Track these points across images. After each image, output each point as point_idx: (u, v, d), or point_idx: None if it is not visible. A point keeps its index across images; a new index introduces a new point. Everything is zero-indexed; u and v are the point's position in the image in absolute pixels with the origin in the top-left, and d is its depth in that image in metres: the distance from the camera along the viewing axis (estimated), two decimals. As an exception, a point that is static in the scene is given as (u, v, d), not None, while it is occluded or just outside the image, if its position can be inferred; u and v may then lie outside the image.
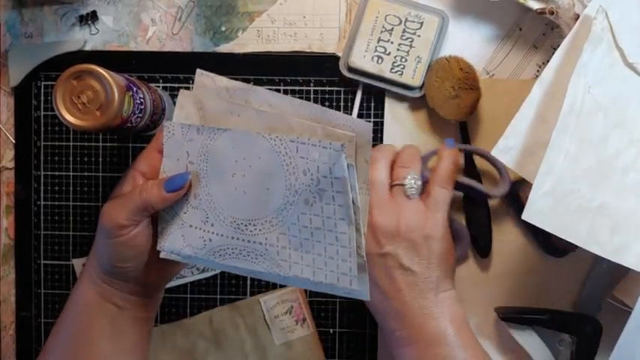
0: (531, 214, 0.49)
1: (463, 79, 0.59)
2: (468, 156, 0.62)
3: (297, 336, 0.65)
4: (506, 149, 0.54)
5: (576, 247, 0.51)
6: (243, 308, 0.65)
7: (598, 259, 0.60)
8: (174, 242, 0.53)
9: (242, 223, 0.51)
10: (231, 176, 0.50)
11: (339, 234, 0.48)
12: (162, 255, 0.53)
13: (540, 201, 0.50)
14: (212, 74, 0.53)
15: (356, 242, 0.48)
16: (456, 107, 0.60)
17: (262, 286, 0.65)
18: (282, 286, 0.65)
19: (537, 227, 0.51)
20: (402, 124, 0.63)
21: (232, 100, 0.52)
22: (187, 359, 0.65)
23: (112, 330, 0.53)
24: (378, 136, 0.64)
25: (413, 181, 0.54)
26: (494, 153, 0.54)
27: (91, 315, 0.53)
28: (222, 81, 0.53)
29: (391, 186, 0.55)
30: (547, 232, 0.50)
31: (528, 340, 0.61)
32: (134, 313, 0.54)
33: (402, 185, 0.54)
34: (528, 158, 0.53)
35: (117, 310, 0.53)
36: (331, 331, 0.65)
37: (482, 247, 0.62)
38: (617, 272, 0.61)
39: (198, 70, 0.53)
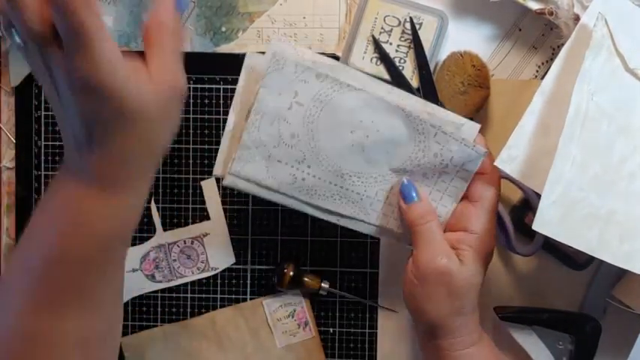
0: (541, 223, 0.49)
1: (474, 76, 0.59)
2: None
3: (299, 340, 0.65)
4: (510, 159, 0.54)
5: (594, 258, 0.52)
6: (246, 310, 0.65)
7: (603, 263, 0.60)
8: (256, 171, 0.53)
9: (346, 173, 0.53)
10: (349, 132, 0.52)
11: (440, 206, 0.54)
12: (225, 182, 0.53)
13: (550, 210, 0.50)
14: (293, 46, 0.53)
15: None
16: (463, 103, 0.60)
17: (263, 286, 0.66)
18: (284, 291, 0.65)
19: (553, 243, 0.52)
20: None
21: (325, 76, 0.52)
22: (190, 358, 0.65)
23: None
24: (377, 137, 0.64)
25: None
26: (497, 163, 0.54)
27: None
28: (306, 53, 0.53)
29: None
30: (565, 247, 0.51)
31: (528, 339, 0.61)
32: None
33: None
34: (532, 168, 0.54)
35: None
36: (331, 330, 0.66)
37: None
38: (623, 276, 0.61)
39: (274, 40, 0.53)
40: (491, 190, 0.53)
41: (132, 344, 0.65)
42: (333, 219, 0.55)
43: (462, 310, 0.51)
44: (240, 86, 0.54)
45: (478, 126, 0.53)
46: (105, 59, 0.38)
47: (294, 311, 0.65)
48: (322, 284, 0.64)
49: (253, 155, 0.53)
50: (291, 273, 0.63)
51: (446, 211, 0.54)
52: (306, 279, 0.64)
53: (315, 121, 0.52)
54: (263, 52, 0.53)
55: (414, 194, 0.53)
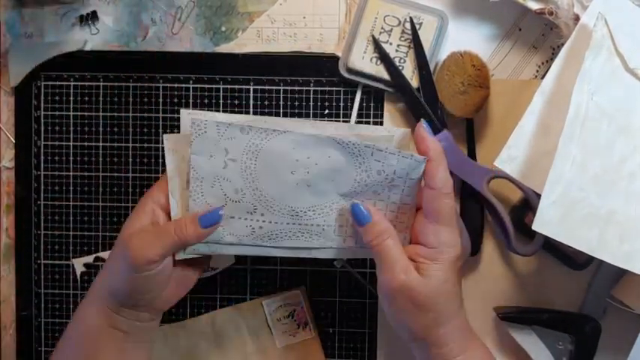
0: (541, 223, 0.49)
1: (474, 76, 0.59)
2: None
3: (299, 340, 0.65)
4: (510, 159, 0.54)
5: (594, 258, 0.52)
6: (246, 310, 0.65)
7: (603, 263, 0.60)
8: (212, 234, 0.53)
9: (301, 211, 0.53)
10: (290, 173, 0.52)
11: (400, 218, 0.54)
12: (186, 252, 0.53)
13: (550, 210, 0.50)
14: (204, 113, 0.54)
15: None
16: (463, 103, 0.60)
17: (263, 285, 0.66)
18: (284, 290, 0.65)
19: (553, 243, 0.52)
20: (401, 125, 0.63)
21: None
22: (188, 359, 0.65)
23: (119, 354, 0.54)
24: (377, 136, 0.64)
25: None
26: (497, 163, 0.54)
27: (98, 343, 0.53)
28: (218, 117, 0.54)
29: None
30: (565, 247, 0.51)
31: (527, 339, 0.61)
32: (139, 337, 0.54)
33: None
34: (532, 168, 0.54)
35: (123, 336, 0.53)
36: (331, 330, 0.66)
37: (471, 245, 0.62)
38: (622, 276, 0.61)
39: (183, 111, 0.54)
40: (441, 202, 0.50)
41: None
42: (303, 253, 0.55)
43: (438, 321, 0.50)
44: (170, 170, 0.54)
45: (408, 130, 0.54)
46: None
47: (294, 311, 0.65)
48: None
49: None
50: None
51: (407, 222, 0.54)
52: None
53: (253, 172, 0.52)
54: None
55: (366, 215, 0.52)
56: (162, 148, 0.59)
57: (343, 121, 0.64)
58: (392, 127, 0.54)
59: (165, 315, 0.61)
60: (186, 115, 0.54)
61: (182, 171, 0.53)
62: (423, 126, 0.52)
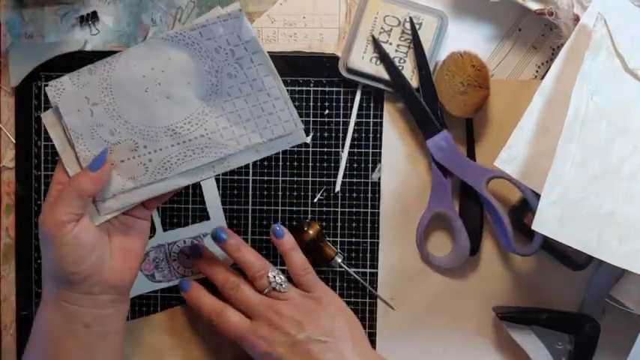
0: (541, 223, 0.49)
1: (474, 77, 0.59)
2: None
3: None
4: (509, 159, 0.54)
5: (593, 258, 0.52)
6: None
7: (602, 264, 0.60)
8: (112, 186, 0.53)
9: (177, 127, 0.53)
10: (144, 91, 0.52)
11: (270, 89, 0.53)
12: (99, 220, 0.53)
13: (549, 210, 0.50)
14: (58, 79, 0.54)
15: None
16: (463, 103, 0.60)
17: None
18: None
19: (552, 243, 0.52)
20: (401, 125, 0.63)
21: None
22: (154, 354, 0.65)
23: (83, 351, 0.53)
24: (377, 137, 0.64)
25: (277, 278, 0.59)
26: (497, 163, 0.54)
27: (60, 344, 0.53)
28: (81, 74, 0.54)
29: (266, 294, 0.59)
30: (564, 247, 0.51)
31: (527, 339, 0.61)
32: (103, 328, 0.54)
33: (274, 289, 0.59)
34: (532, 168, 0.54)
35: (85, 331, 0.53)
36: (331, 330, 0.66)
37: (470, 245, 0.62)
38: (622, 276, 0.61)
39: (47, 87, 0.54)
40: (304, 277, 0.61)
41: None
42: (210, 173, 0.54)
43: None
44: (58, 145, 0.54)
45: (237, 5, 0.52)
46: None
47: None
48: (336, 257, 0.63)
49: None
50: (312, 231, 0.63)
51: (277, 89, 0.53)
52: (323, 244, 0.63)
53: (116, 107, 0.53)
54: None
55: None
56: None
57: (343, 121, 0.64)
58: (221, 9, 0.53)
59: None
60: (49, 89, 0.54)
61: (65, 141, 0.54)
62: (272, 232, 0.61)
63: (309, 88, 0.64)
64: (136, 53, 0.52)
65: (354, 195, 0.64)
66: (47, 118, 0.55)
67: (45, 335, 0.54)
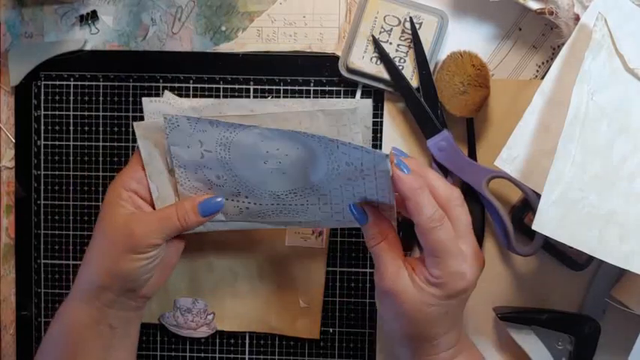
0: (541, 223, 0.49)
1: (474, 76, 0.59)
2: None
3: (308, 245, 0.65)
4: (510, 159, 0.54)
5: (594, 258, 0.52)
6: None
7: (603, 264, 0.60)
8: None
9: (282, 194, 0.54)
10: (263, 163, 0.53)
11: (380, 202, 0.52)
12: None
13: (550, 210, 0.50)
14: (168, 98, 0.57)
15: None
16: (463, 103, 0.60)
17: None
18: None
19: (553, 243, 0.52)
20: (401, 125, 0.63)
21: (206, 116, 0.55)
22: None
23: (103, 351, 0.54)
24: (377, 136, 0.64)
25: None
26: (497, 163, 0.54)
27: (83, 341, 0.54)
28: (184, 103, 0.57)
29: None
30: (565, 247, 0.51)
31: (527, 339, 0.61)
32: (125, 331, 0.55)
33: None
34: (533, 167, 0.54)
35: (110, 331, 0.54)
36: (331, 330, 0.66)
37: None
38: (622, 276, 0.61)
39: (145, 99, 0.57)
40: (430, 236, 0.48)
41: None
42: (295, 226, 0.57)
43: (421, 335, 0.50)
44: (144, 156, 0.55)
45: (369, 101, 0.56)
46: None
47: None
48: None
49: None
50: None
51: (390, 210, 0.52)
52: None
53: (229, 161, 0.54)
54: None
55: (362, 217, 0.52)
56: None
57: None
58: (353, 100, 0.56)
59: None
60: (149, 104, 0.56)
61: (155, 156, 0.55)
62: (394, 162, 0.49)
63: (309, 88, 0.64)
64: (268, 134, 0.52)
65: (354, 195, 0.64)
66: (140, 129, 0.55)
67: (68, 331, 0.54)
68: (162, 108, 0.56)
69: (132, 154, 0.65)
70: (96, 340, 0.54)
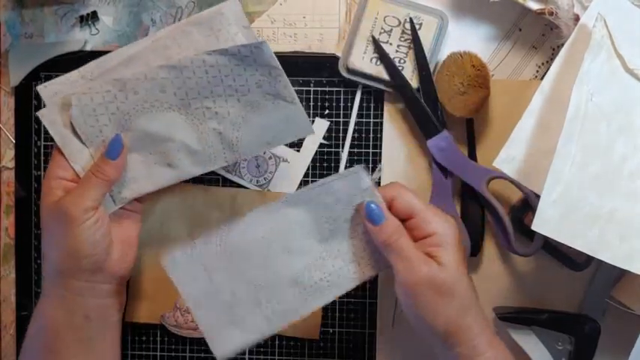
0: (541, 223, 0.49)
1: (474, 77, 0.59)
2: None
3: None
4: (509, 159, 0.54)
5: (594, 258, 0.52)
6: (270, 199, 0.64)
7: (603, 264, 0.60)
8: (232, 340, 0.53)
9: (300, 276, 0.54)
10: (266, 249, 0.53)
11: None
12: (113, 207, 0.55)
13: (549, 210, 0.50)
14: (52, 81, 0.56)
15: None
16: (463, 103, 0.60)
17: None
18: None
19: (553, 243, 0.52)
20: (401, 125, 0.63)
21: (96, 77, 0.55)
22: (197, 223, 0.65)
23: (82, 344, 0.54)
24: (377, 137, 0.64)
25: None
26: (497, 163, 0.54)
27: (58, 336, 0.54)
28: (73, 75, 0.56)
29: None
30: (565, 247, 0.51)
31: (527, 340, 0.61)
32: (103, 320, 0.55)
33: None
34: (532, 168, 0.54)
35: (86, 323, 0.54)
36: (331, 330, 0.66)
37: (471, 245, 0.62)
38: (622, 276, 0.61)
39: (39, 87, 0.56)
40: (404, 199, 0.52)
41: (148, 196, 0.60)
42: (330, 301, 0.55)
43: (461, 309, 0.51)
44: (58, 141, 0.55)
45: (235, 0, 0.55)
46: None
47: None
48: None
49: (219, 330, 0.53)
50: None
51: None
52: None
53: (237, 270, 0.53)
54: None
55: (380, 214, 0.52)
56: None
57: (343, 121, 0.64)
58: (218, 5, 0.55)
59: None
60: (44, 89, 0.56)
61: (67, 135, 0.55)
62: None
63: (309, 88, 0.64)
64: (254, 219, 0.52)
65: (354, 195, 0.64)
66: (45, 116, 0.55)
67: (45, 329, 0.54)
68: (57, 88, 0.56)
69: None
70: (73, 333, 0.54)
